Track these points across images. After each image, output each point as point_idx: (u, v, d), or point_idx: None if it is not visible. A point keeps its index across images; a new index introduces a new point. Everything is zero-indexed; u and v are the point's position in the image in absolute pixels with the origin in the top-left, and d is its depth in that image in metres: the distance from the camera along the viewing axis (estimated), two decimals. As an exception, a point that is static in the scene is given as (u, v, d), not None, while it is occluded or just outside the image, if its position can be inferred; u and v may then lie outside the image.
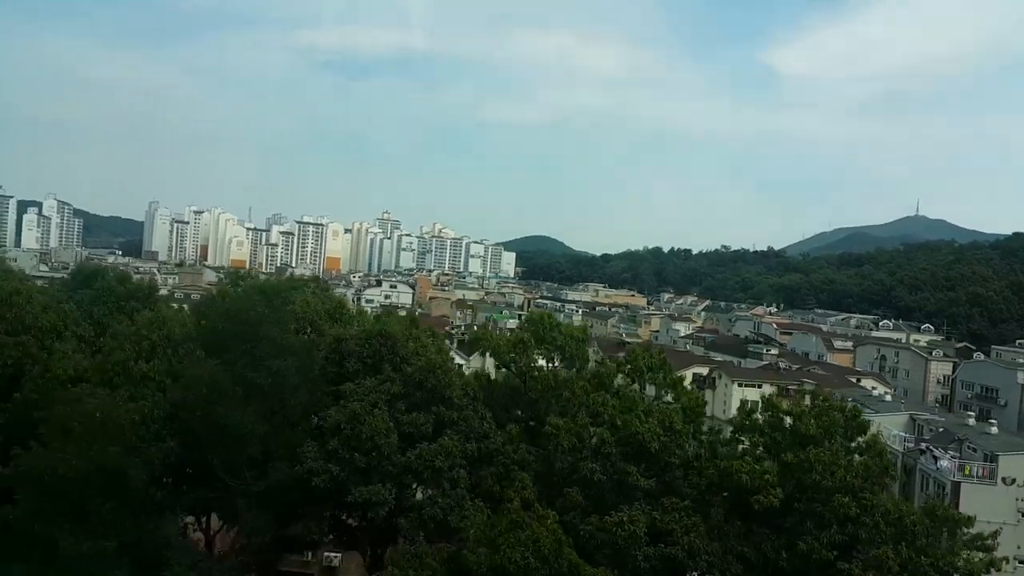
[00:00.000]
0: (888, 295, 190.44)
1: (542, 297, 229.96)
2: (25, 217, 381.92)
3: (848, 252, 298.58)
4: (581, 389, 32.39)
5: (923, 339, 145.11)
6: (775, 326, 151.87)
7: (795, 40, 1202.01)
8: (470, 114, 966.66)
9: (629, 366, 34.91)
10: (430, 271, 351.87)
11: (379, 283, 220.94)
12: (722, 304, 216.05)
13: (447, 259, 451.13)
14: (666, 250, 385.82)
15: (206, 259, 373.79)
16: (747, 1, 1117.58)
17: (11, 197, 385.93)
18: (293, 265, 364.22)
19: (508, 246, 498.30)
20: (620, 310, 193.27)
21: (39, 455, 26.55)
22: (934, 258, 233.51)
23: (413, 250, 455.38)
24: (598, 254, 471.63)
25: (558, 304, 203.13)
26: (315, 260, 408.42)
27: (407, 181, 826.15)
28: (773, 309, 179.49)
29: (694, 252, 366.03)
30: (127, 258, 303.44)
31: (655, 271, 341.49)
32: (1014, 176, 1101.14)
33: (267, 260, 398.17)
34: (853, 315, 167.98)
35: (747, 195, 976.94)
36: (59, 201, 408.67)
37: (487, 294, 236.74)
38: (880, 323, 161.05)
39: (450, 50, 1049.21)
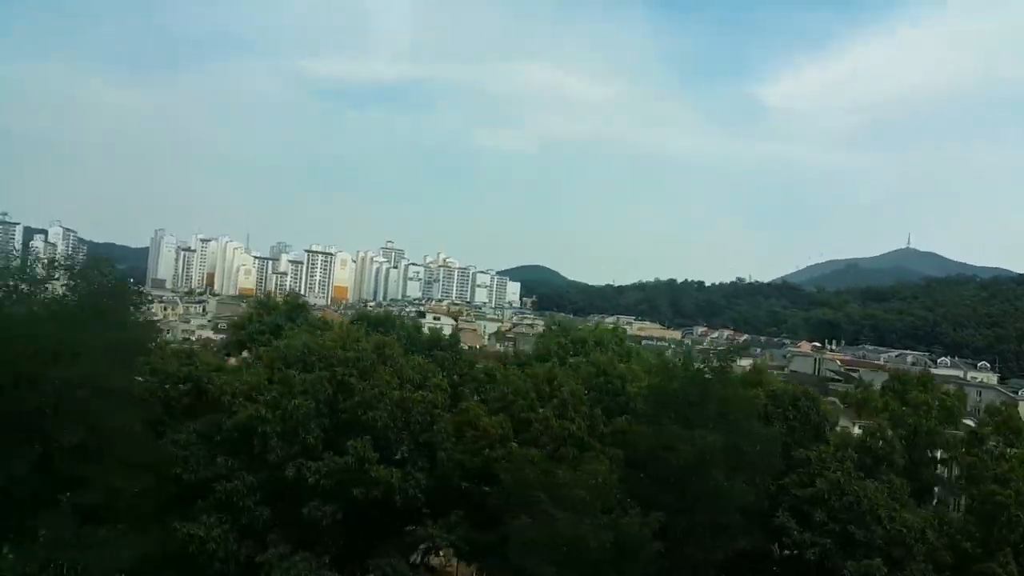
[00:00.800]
0: (932, 331, 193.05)
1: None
2: (31, 244, 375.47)
3: (872, 286, 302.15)
4: (986, 454, 32.53)
5: (980, 376, 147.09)
6: (839, 363, 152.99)
7: (783, 72, 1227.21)
8: (463, 144, 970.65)
9: (997, 423, 35.11)
10: (439, 301, 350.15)
11: (422, 315, 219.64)
12: (762, 339, 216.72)
13: (454, 289, 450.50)
14: (665, 279, 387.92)
15: (212, 287, 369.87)
16: (735, 34, 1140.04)
17: (17, 224, 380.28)
18: (303, 294, 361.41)
19: (504, 275, 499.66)
20: (667, 344, 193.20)
21: (540, 524, 26.08)
22: (960, 293, 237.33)
23: (420, 279, 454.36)
24: (592, 283, 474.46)
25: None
26: (323, 289, 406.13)
27: (401, 210, 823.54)
28: (833, 345, 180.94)
29: (707, 284, 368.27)
30: (137, 286, 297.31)
31: (670, 302, 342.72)
32: (1001, 209, 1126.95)
33: (276, 289, 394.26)
34: (907, 352, 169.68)
35: (737, 226, 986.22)
36: (64, 228, 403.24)
37: (514, 325, 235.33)
38: (938, 360, 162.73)
39: (441, 81, 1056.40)
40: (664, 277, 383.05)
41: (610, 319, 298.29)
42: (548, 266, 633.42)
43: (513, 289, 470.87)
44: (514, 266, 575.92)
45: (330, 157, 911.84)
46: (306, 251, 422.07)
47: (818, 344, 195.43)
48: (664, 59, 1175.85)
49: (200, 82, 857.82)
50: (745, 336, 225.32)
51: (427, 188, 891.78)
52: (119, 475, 28.71)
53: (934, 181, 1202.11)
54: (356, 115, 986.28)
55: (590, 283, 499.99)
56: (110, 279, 33.16)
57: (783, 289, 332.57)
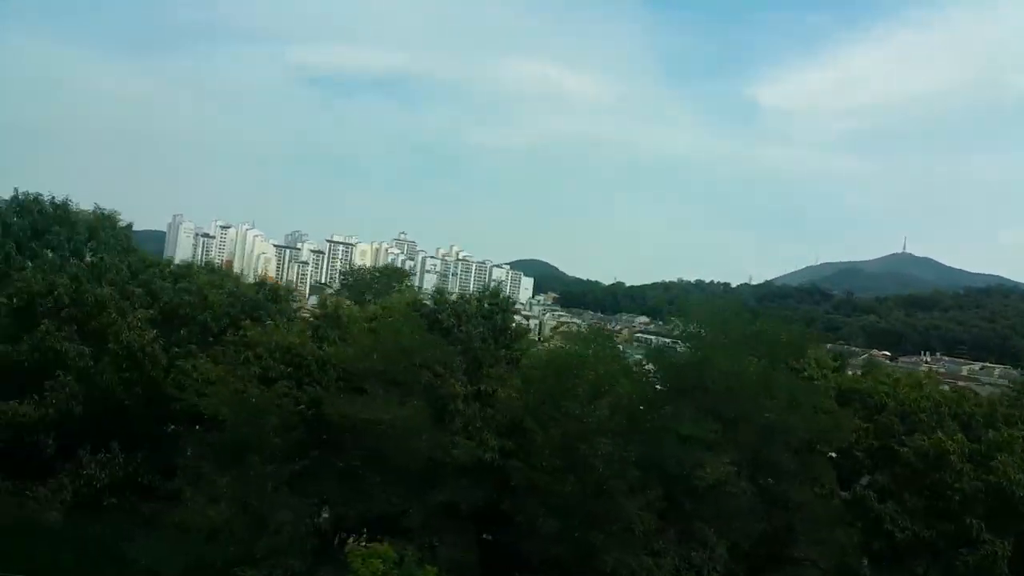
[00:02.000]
0: (1003, 344, 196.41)
1: (640, 332, 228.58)
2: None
3: (914, 294, 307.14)
4: None
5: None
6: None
7: (779, 74, 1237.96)
8: (456, 137, 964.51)
9: None
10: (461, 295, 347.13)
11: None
12: (827, 346, 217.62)
13: (471, 282, 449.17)
14: (692, 280, 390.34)
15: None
16: (732, 37, 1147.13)
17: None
18: (327, 283, 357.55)
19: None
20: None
21: None
22: (1006, 304, 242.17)
23: (437, 272, 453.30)
24: (590, 279, 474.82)
25: (664, 341, 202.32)
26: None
27: (393, 201, 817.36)
28: (927, 357, 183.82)
29: (733, 285, 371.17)
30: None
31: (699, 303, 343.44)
32: (997, 216, 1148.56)
33: (297, 278, 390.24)
34: (993, 364, 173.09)
35: (730, 226, 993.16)
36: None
37: (557, 325, 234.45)
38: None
39: (437, 74, 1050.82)
40: (660, 275, 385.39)
41: (642, 318, 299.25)
42: (547, 261, 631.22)
43: (526, 284, 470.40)
44: (512, 260, 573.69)
45: (324, 147, 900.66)
46: (327, 241, 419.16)
47: (887, 353, 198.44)
48: (661, 58, 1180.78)
49: (197, 70, 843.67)
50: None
51: (419, 180, 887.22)
52: (841, 531, 28.79)
53: (930, 186, 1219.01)
54: (350, 106, 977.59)
55: (589, 279, 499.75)
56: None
57: (813, 293, 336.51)
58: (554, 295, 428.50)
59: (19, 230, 30.31)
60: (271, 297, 35.86)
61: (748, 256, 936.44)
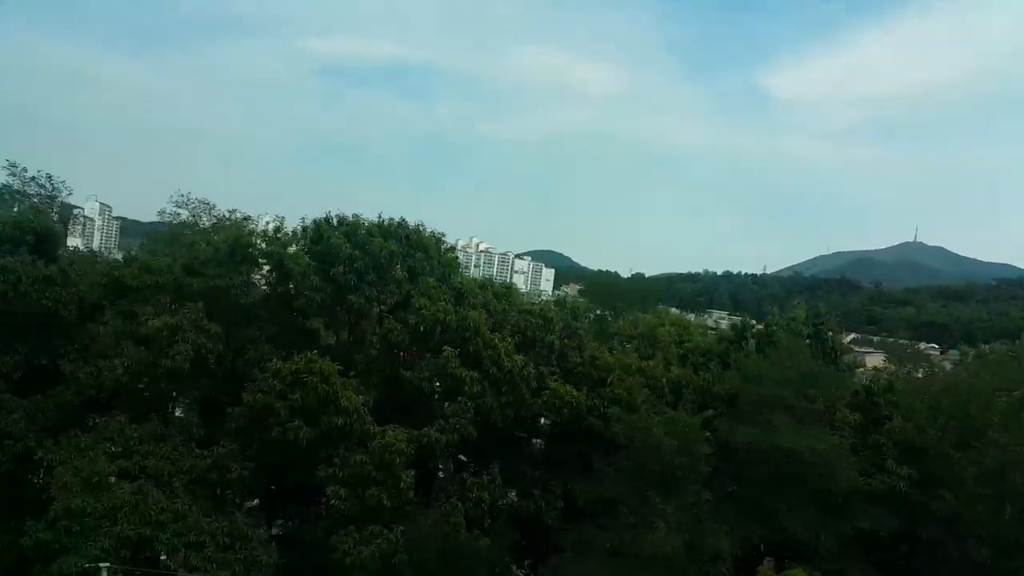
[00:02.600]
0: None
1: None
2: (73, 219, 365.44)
3: (945, 284, 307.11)
4: None
5: None
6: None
7: (791, 66, 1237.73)
8: (468, 130, 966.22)
9: None
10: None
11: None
12: (874, 339, 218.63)
13: (494, 275, 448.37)
14: (720, 272, 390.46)
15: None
16: (743, 26, 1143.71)
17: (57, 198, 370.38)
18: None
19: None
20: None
21: None
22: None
23: (459, 264, 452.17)
24: (604, 271, 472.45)
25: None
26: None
27: (405, 192, 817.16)
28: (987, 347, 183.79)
29: (758, 275, 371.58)
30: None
31: (730, 295, 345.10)
32: (1010, 205, 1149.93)
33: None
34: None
35: (742, 216, 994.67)
36: (101, 203, 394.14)
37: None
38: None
39: (450, 66, 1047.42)
40: (670, 266, 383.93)
41: (674, 311, 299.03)
42: (562, 252, 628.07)
43: (547, 276, 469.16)
44: (527, 251, 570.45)
45: (336, 140, 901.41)
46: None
47: (935, 346, 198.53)
48: (673, 47, 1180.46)
49: (208, 63, 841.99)
50: (854, 335, 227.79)
51: (431, 171, 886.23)
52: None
53: (943, 175, 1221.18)
54: (362, 97, 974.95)
55: (606, 270, 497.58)
56: None
57: (843, 284, 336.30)
58: (578, 287, 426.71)
59: (392, 256, 30.13)
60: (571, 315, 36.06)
61: (758, 245, 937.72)
